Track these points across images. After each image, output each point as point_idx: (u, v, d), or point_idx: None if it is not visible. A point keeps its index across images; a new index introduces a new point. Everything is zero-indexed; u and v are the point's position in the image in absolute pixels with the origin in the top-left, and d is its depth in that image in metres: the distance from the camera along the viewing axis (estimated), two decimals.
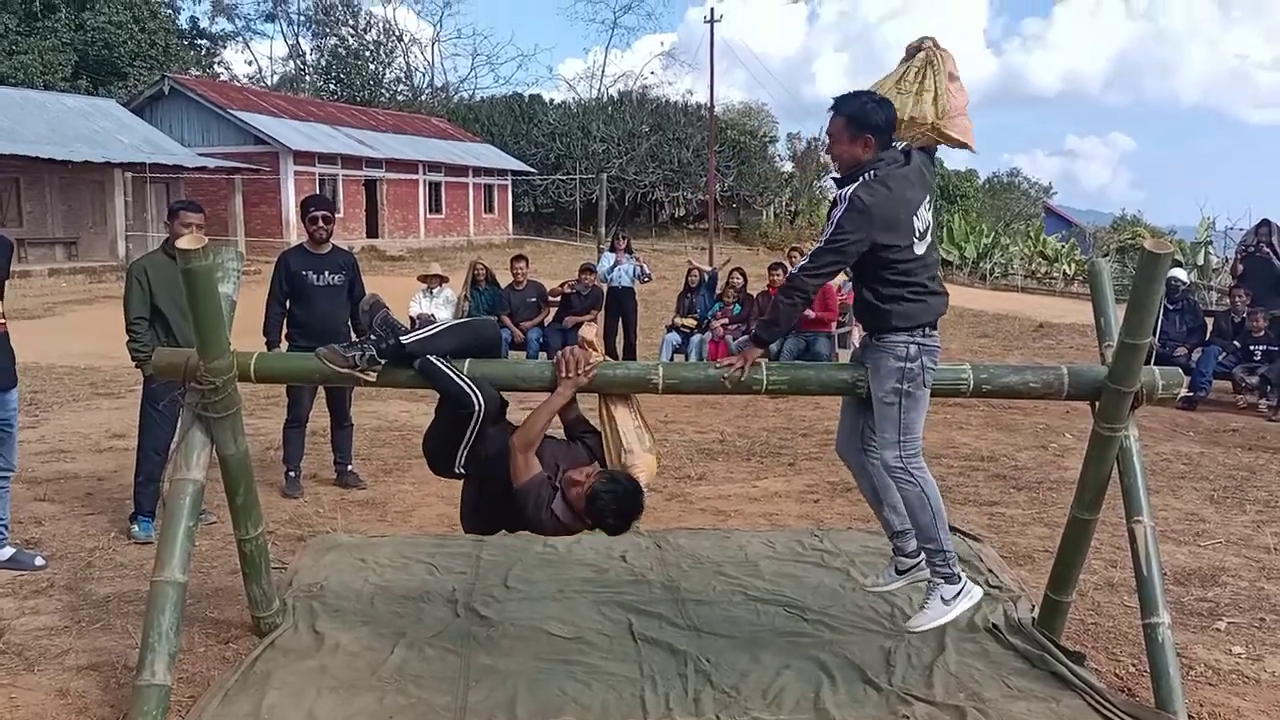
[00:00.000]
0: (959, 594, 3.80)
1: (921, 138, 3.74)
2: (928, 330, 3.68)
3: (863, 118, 3.57)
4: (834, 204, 3.64)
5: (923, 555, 3.97)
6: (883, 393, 3.70)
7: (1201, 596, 4.98)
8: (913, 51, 3.75)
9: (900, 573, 4.07)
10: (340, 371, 3.77)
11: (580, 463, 3.89)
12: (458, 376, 3.75)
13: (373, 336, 3.82)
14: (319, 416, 6.94)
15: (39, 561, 5.16)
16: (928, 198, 3.67)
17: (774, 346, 10.44)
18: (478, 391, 3.74)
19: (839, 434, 4.18)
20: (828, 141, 3.71)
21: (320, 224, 6.50)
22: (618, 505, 3.70)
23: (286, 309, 6.55)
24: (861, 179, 3.56)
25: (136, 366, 5.70)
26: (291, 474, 6.64)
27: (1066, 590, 4.33)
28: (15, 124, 24.99)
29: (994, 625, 4.51)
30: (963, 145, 3.81)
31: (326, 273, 6.50)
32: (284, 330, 6.55)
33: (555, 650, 4.25)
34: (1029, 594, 4.85)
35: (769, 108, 57.03)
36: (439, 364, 3.74)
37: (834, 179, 3.77)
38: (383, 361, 3.79)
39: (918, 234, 3.60)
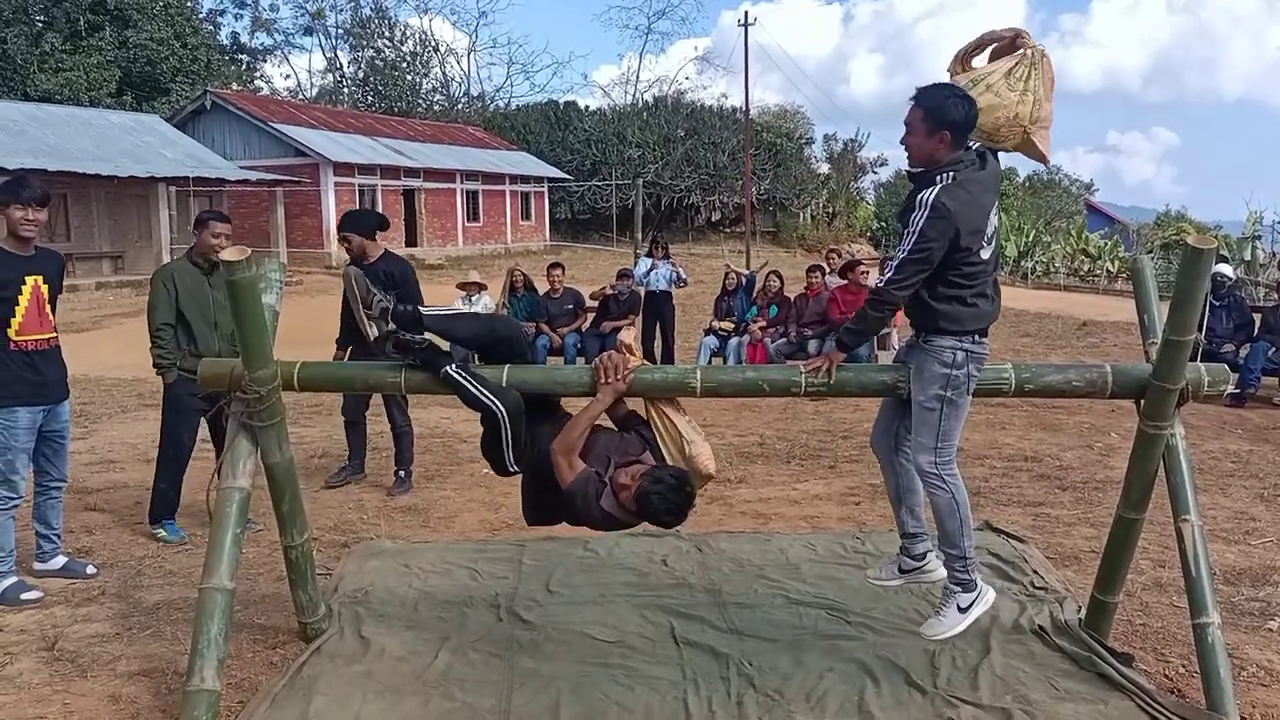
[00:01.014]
0: (975, 600, 3.83)
1: (1007, 140, 3.64)
2: (977, 337, 3.63)
3: (941, 112, 3.44)
4: (911, 208, 3.50)
5: (927, 559, 4.00)
6: (924, 397, 3.67)
7: (1253, 596, 4.89)
8: (997, 43, 3.64)
9: (903, 572, 4.09)
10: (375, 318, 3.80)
11: (632, 454, 3.90)
12: (475, 389, 3.76)
13: (391, 297, 3.87)
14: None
15: (90, 570, 5.26)
16: (996, 201, 3.61)
17: (813, 348, 10.41)
18: (496, 400, 3.76)
19: (875, 428, 4.16)
20: (904, 130, 3.57)
21: (346, 245, 6.71)
22: (666, 503, 3.69)
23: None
24: (939, 182, 3.46)
25: (158, 373, 5.77)
26: (343, 467, 7.12)
27: (1113, 591, 4.28)
28: (63, 141, 25.51)
29: (1040, 627, 4.46)
30: (1042, 158, 3.74)
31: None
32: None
33: (597, 654, 4.26)
34: (1075, 595, 4.79)
35: (804, 109, 56.94)
36: (458, 376, 3.76)
37: (908, 173, 3.66)
38: (392, 324, 3.81)
39: (986, 239, 3.54)
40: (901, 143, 3.62)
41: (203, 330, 5.69)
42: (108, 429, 8.98)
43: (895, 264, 3.56)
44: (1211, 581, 3.82)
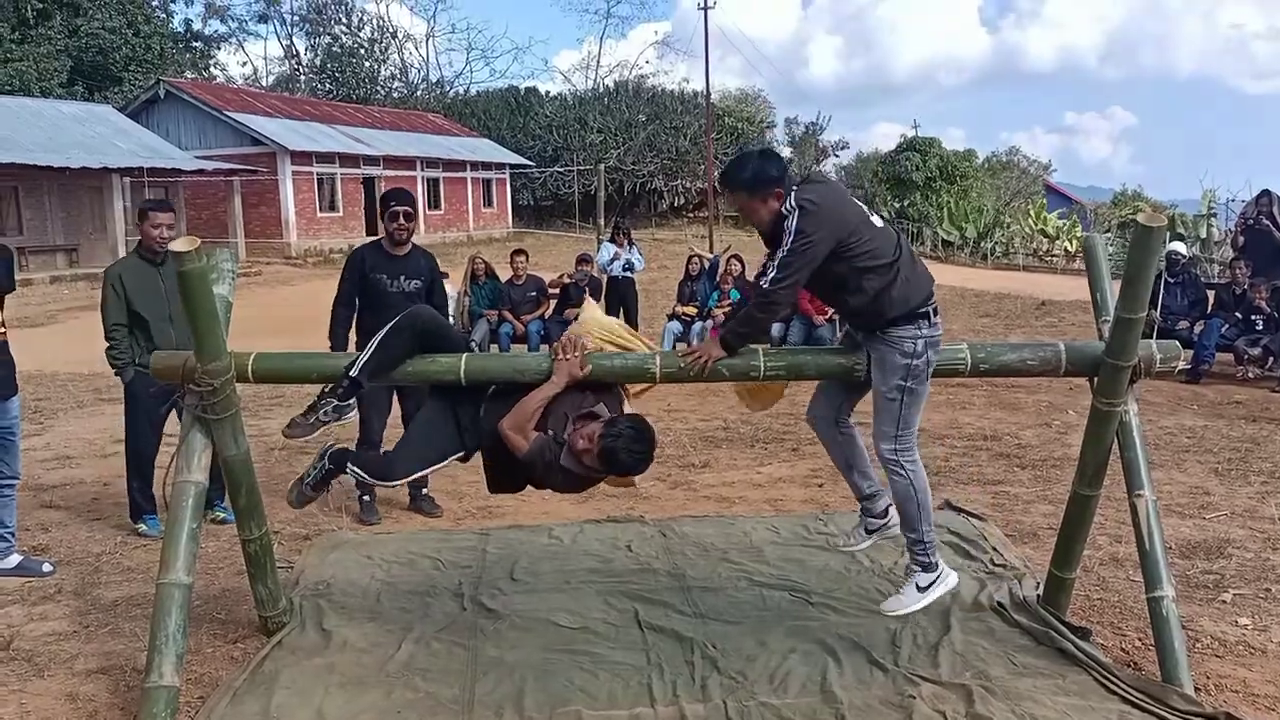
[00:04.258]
0: (935, 582, 3.89)
1: None
2: (932, 318, 3.68)
3: (759, 179, 3.62)
4: (784, 218, 3.59)
5: (890, 515, 4.05)
6: (886, 388, 3.71)
7: (1207, 569, 4.97)
8: None
9: (870, 532, 4.15)
10: (313, 428, 3.89)
11: (588, 405, 3.86)
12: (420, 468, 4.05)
13: (325, 392, 3.90)
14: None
15: (46, 568, 5.18)
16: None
17: (776, 332, 10.43)
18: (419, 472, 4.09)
19: (813, 403, 4.21)
20: (742, 213, 3.78)
21: (402, 221, 5.69)
22: (630, 454, 3.69)
23: (355, 311, 5.80)
24: (794, 190, 3.59)
25: (116, 373, 5.73)
26: (366, 498, 6.06)
27: (1070, 566, 4.33)
28: (12, 132, 25.00)
29: (999, 603, 4.51)
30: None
31: (403, 278, 5.73)
32: (350, 332, 5.82)
33: (562, 641, 4.26)
34: (1033, 571, 4.85)
35: (765, 93, 57.04)
36: (354, 479, 4.03)
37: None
38: (350, 402, 3.85)
39: (867, 212, 3.66)
40: (750, 221, 3.80)
41: (159, 325, 5.61)
42: (63, 424, 8.84)
43: (777, 263, 3.59)
44: (1166, 555, 3.89)
